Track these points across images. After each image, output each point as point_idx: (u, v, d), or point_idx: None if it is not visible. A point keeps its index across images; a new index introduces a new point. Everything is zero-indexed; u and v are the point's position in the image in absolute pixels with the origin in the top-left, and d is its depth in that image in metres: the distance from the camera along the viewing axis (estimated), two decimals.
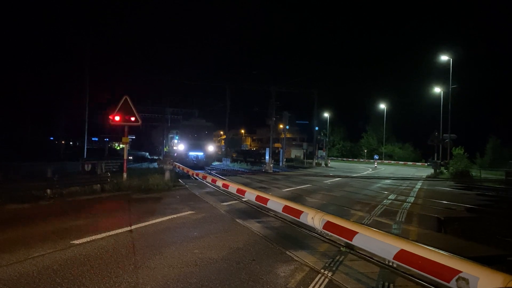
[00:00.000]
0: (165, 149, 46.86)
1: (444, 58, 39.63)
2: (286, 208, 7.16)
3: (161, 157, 37.94)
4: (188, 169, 20.82)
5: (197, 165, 33.98)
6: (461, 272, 3.48)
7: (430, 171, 39.06)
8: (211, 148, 37.76)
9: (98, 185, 15.56)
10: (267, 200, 8.10)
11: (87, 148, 33.64)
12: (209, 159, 38.06)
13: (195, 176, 17.55)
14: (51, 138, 65.00)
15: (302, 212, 6.53)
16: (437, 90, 44.42)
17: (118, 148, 75.90)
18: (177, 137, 41.52)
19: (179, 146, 37.53)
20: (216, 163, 44.01)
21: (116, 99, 19.09)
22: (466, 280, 3.41)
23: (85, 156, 29.41)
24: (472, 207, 15.07)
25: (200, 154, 36.66)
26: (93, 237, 7.86)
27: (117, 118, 18.04)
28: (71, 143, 75.25)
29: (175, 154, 36.67)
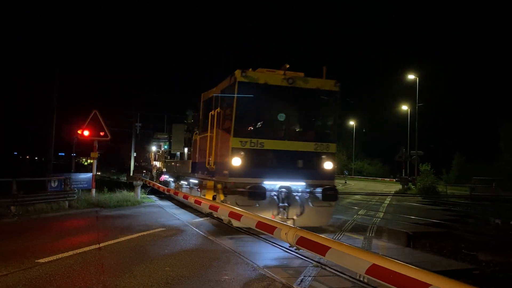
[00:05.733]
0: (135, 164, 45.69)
1: (411, 76, 40.99)
2: (259, 224, 7.16)
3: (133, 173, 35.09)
4: (159, 185, 20.47)
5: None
6: (430, 285, 3.58)
7: (398, 186, 39.91)
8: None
9: (66, 201, 15.11)
10: (240, 216, 8.08)
11: (53, 163, 32.67)
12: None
13: (166, 192, 17.30)
14: (15, 153, 62.94)
15: (276, 227, 6.54)
16: (405, 108, 45.79)
17: (86, 163, 74.08)
18: (166, 146, 34.20)
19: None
20: None
21: (85, 113, 18.66)
22: None
23: (51, 172, 28.52)
24: (439, 222, 15.47)
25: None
26: (60, 256, 7.59)
27: (86, 132, 17.67)
28: (36, 158, 73.02)
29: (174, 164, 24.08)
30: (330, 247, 5.05)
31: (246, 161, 10.37)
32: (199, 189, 13.73)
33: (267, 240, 9.46)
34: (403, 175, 40.92)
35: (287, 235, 6.10)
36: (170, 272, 6.73)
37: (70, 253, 7.83)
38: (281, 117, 11.28)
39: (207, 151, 12.11)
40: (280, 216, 10.24)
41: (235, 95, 10.47)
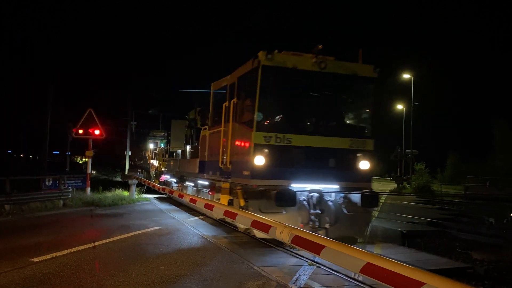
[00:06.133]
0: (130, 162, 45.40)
1: (406, 76, 41.11)
2: (254, 223, 7.15)
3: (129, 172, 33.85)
4: (154, 183, 20.42)
5: None
6: (424, 284, 3.58)
7: (393, 185, 40.05)
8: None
9: (60, 200, 15.04)
10: (235, 214, 8.06)
11: (48, 162, 32.48)
12: None
13: (161, 190, 17.27)
14: (9, 152, 62.58)
15: (271, 226, 6.53)
16: (400, 107, 45.93)
17: (81, 162, 73.77)
18: (163, 144, 30.29)
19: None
20: None
21: (80, 111, 18.59)
22: None
23: (46, 170, 28.38)
24: (434, 221, 15.54)
25: None
26: (54, 254, 7.55)
27: (80, 131, 17.61)
28: (30, 156, 72.58)
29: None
30: (325, 246, 5.05)
31: (271, 160, 8.91)
32: (210, 192, 12.21)
33: (261, 239, 9.40)
34: (398, 174, 41.06)
35: (282, 234, 6.09)
36: (165, 271, 6.71)
37: (65, 252, 7.79)
38: (312, 108, 9.88)
39: (221, 149, 10.67)
40: (310, 225, 8.81)
41: (258, 82, 8.90)
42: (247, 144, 9.21)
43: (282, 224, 6.49)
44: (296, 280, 6.42)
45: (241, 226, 9.61)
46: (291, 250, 8.32)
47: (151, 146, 32.17)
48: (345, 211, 9.30)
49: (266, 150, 8.88)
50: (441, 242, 12.80)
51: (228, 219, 9.36)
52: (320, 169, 9.27)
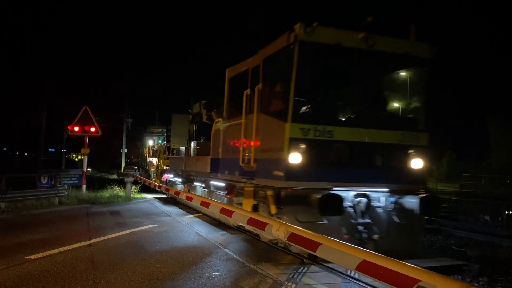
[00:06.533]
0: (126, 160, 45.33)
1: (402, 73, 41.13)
2: (251, 221, 7.15)
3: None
4: (150, 181, 20.38)
5: None
6: (420, 281, 3.59)
7: None
8: None
9: (56, 198, 14.98)
10: (232, 212, 8.05)
11: (43, 159, 32.40)
12: None
13: (157, 188, 17.23)
14: (4, 149, 62.32)
15: (267, 224, 6.54)
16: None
17: (77, 159, 73.54)
18: (160, 140, 28.99)
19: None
20: None
21: (76, 108, 18.55)
22: None
23: (41, 168, 28.30)
24: (429, 218, 15.59)
25: None
26: (50, 252, 7.53)
27: (76, 128, 17.57)
28: (26, 154, 72.32)
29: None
30: (321, 243, 5.05)
31: (309, 157, 7.45)
32: (228, 196, 10.53)
33: (257, 237, 9.39)
34: None
35: (278, 231, 6.09)
36: (161, 269, 6.70)
37: (60, 249, 7.77)
38: (357, 94, 8.42)
39: (241, 144, 9.22)
40: (357, 237, 7.42)
41: (295, 61, 7.33)
42: (278, 139, 7.72)
43: (278, 222, 6.50)
44: (292, 277, 6.43)
45: (268, 237, 8.23)
46: (288, 248, 8.32)
47: (150, 142, 31.34)
48: (396, 219, 7.86)
49: (303, 146, 7.42)
50: (437, 239, 12.87)
51: (247, 226, 8.02)
52: (367, 168, 7.88)
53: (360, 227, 7.51)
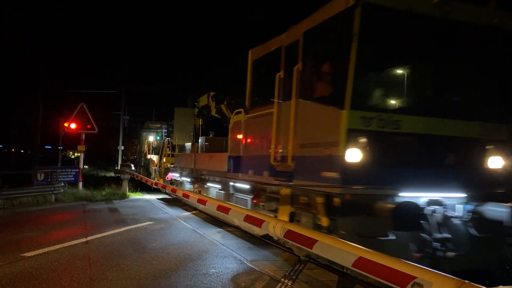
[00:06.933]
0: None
1: (399, 71, 41.22)
2: (247, 218, 7.16)
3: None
4: (146, 178, 20.33)
5: None
6: (416, 278, 3.61)
7: None
8: None
9: (52, 195, 14.95)
10: (228, 209, 8.06)
11: (40, 156, 32.29)
12: None
13: (154, 186, 17.21)
14: (0, 146, 62.06)
15: (264, 221, 6.54)
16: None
17: (73, 157, 73.33)
18: (159, 136, 27.49)
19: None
20: None
21: (72, 106, 18.45)
22: (421, 286, 3.54)
23: (38, 165, 28.20)
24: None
25: None
26: (46, 249, 7.52)
27: (72, 125, 17.51)
28: (22, 151, 71.99)
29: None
30: (318, 240, 5.06)
31: (372, 154, 5.95)
32: (254, 200, 8.82)
33: (253, 234, 9.41)
34: None
35: (275, 228, 6.10)
36: (157, 266, 6.70)
37: (57, 246, 7.76)
38: (431, 75, 6.78)
39: (273, 138, 7.72)
40: (430, 254, 6.02)
41: (356, 30, 5.77)
42: (330, 131, 6.20)
43: (275, 219, 6.51)
44: (288, 274, 6.44)
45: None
46: (284, 245, 8.33)
47: (150, 138, 30.59)
48: (474, 232, 6.45)
49: (363, 140, 5.90)
50: None
51: (280, 237, 6.29)
52: (440, 168, 6.35)
53: (436, 244, 6.04)
